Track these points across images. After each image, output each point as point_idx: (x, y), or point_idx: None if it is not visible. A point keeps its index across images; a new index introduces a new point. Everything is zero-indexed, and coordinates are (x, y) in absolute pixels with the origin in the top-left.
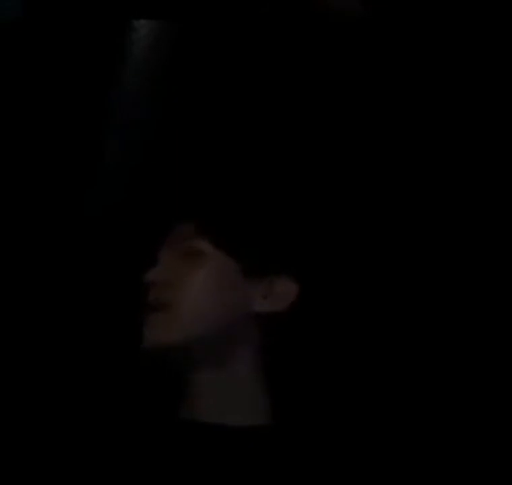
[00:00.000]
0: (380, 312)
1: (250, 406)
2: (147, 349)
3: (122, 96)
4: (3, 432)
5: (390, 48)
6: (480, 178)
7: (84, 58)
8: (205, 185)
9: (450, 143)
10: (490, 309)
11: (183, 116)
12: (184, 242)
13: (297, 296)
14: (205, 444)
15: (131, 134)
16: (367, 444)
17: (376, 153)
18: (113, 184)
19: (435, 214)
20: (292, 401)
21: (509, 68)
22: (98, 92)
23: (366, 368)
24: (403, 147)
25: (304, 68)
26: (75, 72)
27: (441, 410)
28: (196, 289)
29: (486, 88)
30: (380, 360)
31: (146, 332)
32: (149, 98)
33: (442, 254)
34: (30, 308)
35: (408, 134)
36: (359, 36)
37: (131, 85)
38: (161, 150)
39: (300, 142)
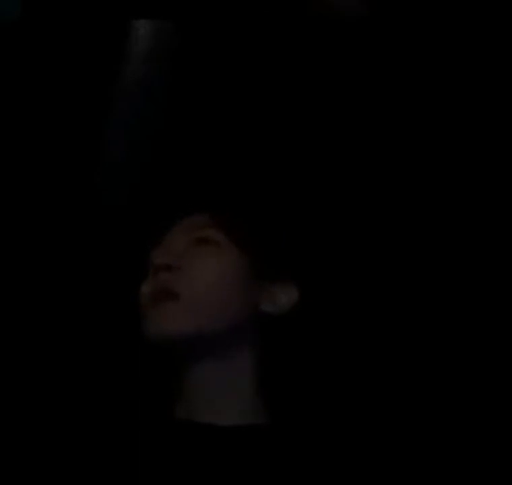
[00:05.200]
0: (377, 314)
1: (245, 405)
2: (153, 337)
3: (122, 96)
4: (2, 432)
5: (390, 48)
6: (480, 178)
7: (84, 58)
8: (222, 178)
9: (449, 144)
10: (491, 311)
11: (184, 116)
12: (197, 230)
13: (298, 301)
14: (201, 443)
15: (131, 134)
16: (364, 444)
17: (376, 153)
18: (113, 183)
19: (435, 218)
20: (287, 401)
21: (509, 68)
22: (98, 92)
23: (362, 368)
24: (403, 148)
25: (303, 68)
26: (75, 72)
27: (440, 411)
28: (210, 279)
29: (485, 88)
30: (377, 361)
31: (154, 318)
32: (149, 98)
33: (442, 259)
34: (31, 306)
35: (408, 134)
36: (359, 36)
37: (131, 85)
38: (162, 149)
39: (299, 144)
